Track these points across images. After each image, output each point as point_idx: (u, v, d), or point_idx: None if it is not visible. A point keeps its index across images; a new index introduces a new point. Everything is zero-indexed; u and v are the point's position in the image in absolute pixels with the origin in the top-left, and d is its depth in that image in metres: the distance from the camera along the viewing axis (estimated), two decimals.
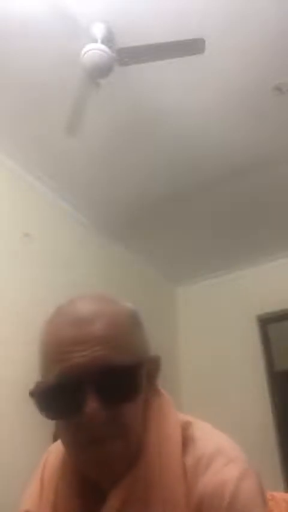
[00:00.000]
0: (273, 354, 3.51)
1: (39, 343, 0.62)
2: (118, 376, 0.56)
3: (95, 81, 2.10)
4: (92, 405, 0.54)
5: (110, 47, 1.97)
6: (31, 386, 0.60)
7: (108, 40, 2.00)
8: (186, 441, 0.60)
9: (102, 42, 1.96)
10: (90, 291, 0.68)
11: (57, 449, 0.72)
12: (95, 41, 1.96)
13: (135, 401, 0.58)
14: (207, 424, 0.65)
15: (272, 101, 2.39)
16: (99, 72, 2.01)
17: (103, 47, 1.95)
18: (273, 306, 3.50)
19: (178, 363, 3.76)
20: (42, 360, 0.61)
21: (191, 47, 1.97)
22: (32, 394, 0.58)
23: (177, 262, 3.93)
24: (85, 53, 1.94)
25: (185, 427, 0.62)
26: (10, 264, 2.52)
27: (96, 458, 0.57)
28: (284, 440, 3.15)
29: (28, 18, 1.99)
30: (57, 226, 3.05)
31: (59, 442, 0.74)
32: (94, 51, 1.94)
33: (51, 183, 2.97)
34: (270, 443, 3.12)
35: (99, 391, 0.54)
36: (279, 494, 0.73)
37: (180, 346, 3.89)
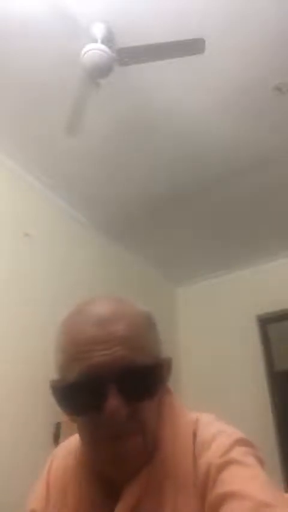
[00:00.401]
0: (273, 354, 3.51)
1: (57, 342, 0.63)
2: (138, 375, 0.58)
3: (95, 81, 2.10)
4: (113, 403, 0.55)
5: (110, 47, 1.97)
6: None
7: (108, 40, 2.00)
8: (195, 436, 0.62)
9: (102, 42, 1.96)
10: (104, 293, 0.70)
11: (62, 452, 0.73)
12: (95, 41, 1.96)
13: (152, 400, 0.61)
14: (211, 416, 0.67)
15: (272, 101, 2.39)
16: (99, 72, 2.01)
17: (103, 47, 1.95)
18: (273, 306, 3.51)
19: (178, 363, 3.76)
20: (61, 358, 0.61)
21: (191, 47, 1.97)
22: (53, 391, 0.60)
23: (177, 262, 3.93)
24: (85, 53, 1.94)
25: (195, 423, 0.64)
26: (10, 264, 2.52)
27: (115, 455, 0.59)
28: (284, 440, 3.15)
29: (28, 18, 1.99)
30: (57, 226, 3.05)
31: (63, 445, 0.76)
32: (94, 51, 1.94)
33: (51, 183, 2.97)
34: (270, 443, 3.12)
35: (120, 389, 0.56)
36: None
37: (180, 346, 3.89)
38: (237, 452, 0.57)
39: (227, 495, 0.52)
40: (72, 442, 0.73)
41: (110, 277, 3.26)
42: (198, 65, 2.17)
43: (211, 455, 0.58)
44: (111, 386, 0.56)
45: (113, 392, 0.56)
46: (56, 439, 2.33)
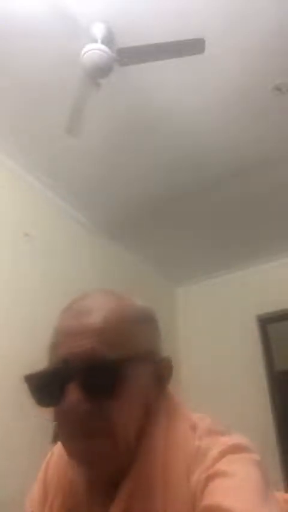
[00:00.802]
0: (273, 354, 3.51)
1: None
2: (105, 371, 0.55)
3: (95, 81, 2.10)
4: (71, 397, 0.54)
5: (110, 47, 1.97)
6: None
7: (108, 40, 2.00)
8: (191, 447, 0.59)
9: (102, 42, 1.96)
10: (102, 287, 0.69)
11: (59, 450, 0.72)
12: (95, 41, 1.96)
13: (122, 399, 0.56)
14: (209, 422, 0.64)
15: (272, 101, 2.39)
16: (99, 72, 2.01)
17: (103, 47, 1.95)
18: (273, 306, 3.51)
19: (178, 363, 3.76)
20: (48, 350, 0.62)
21: (191, 47, 1.97)
22: (25, 379, 0.58)
23: (177, 262, 3.93)
24: (85, 53, 1.94)
25: (193, 432, 0.61)
26: (10, 264, 2.52)
27: (81, 456, 0.57)
28: (284, 440, 3.15)
29: (28, 18, 1.99)
30: (57, 226, 3.05)
31: (60, 443, 0.74)
32: (94, 51, 1.94)
33: (51, 183, 2.97)
34: (270, 443, 3.11)
35: (84, 384, 0.54)
36: (279, 494, 0.73)
37: (180, 346, 3.89)
38: (226, 462, 0.55)
39: (206, 508, 0.50)
40: None
41: (110, 277, 3.26)
42: (198, 65, 2.17)
43: (201, 470, 0.55)
44: (74, 379, 0.54)
45: (73, 386, 0.54)
46: (56, 437, 2.33)
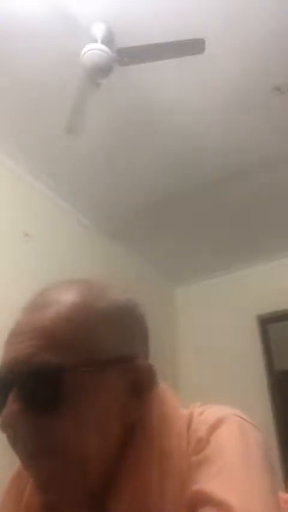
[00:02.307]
0: (273, 354, 3.51)
1: None
2: (42, 377, 0.46)
3: (95, 81, 2.10)
4: (10, 405, 0.46)
5: (110, 47, 1.97)
6: None
7: (108, 40, 2.00)
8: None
9: (102, 42, 1.96)
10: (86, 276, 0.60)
11: None
12: (95, 41, 1.96)
13: (73, 413, 0.47)
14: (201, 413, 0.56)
15: (272, 101, 2.39)
16: (99, 72, 2.01)
17: (103, 47, 1.95)
18: (273, 306, 3.50)
19: (178, 363, 3.76)
20: None
21: (191, 47, 1.97)
22: None
23: (177, 262, 3.93)
24: (85, 53, 1.94)
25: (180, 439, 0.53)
26: (10, 264, 2.52)
27: (34, 479, 0.49)
28: (284, 440, 3.15)
29: (28, 18, 1.99)
30: (57, 226, 3.05)
31: None
32: (94, 51, 1.94)
33: (51, 183, 2.97)
34: (270, 443, 3.11)
35: (21, 392, 0.46)
36: (280, 495, 0.72)
37: (180, 346, 3.89)
38: (212, 446, 0.48)
39: (191, 493, 0.46)
40: None
41: (109, 277, 3.24)
42: (198, 65, 2.17)
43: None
44: (13, 390, 0.46)
45: (12, 395, 0.46)
46: None
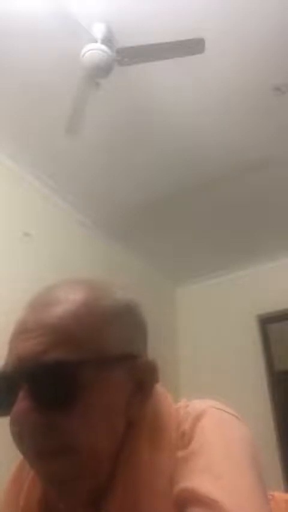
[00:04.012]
0: (273, 354, 3.51)
1: None
2: (52, 375, 0.46)
3: (95, 81, 2.10)
4: (20, 403, 0.45)
5: (110, 47, 1.97)
6: None
7: (108, 40, 2.00)
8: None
9: (102, 42, 1.96)
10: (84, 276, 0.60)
11: None
12: (95, 41, 1.96)
13: (82, 410, 0.47)
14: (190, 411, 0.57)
15: (272, 100, 2.39)
16: (99, 72, 2.01)
17: (103, 47, 1.95)
18: (273, 306, 3.50)
19: (178, 363, 3.76)
20: None
21: (191, 47, 1.97)
22: None
23: (177, 262, 3.93)
24: (85, 53, 1.94)
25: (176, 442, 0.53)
26: (10, 264, 2.52)
27: (43, 478, 0.49)
28: (284, 440, 3.15)
29: (28, 18, 1.98)
30: (57, 225, 3.05)
31: None
32: (94, 51, 1.94)
33: (51, 182, 2.97)
34: (270, 443, 3.11)
35: (31, 390, 0.46)
36: (279, 494, 0.72)
37: (180, 346, 3.89)
38: (196, 441, 0.49)
39: (178, 491, 0.45)
40: None
41: (109, 277, 3.26)
42: (198, 65, 2.17)
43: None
44: (23, 387, 0.46)
45: (22, 393, 0.46)
46: None
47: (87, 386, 0.47)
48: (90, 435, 0.47)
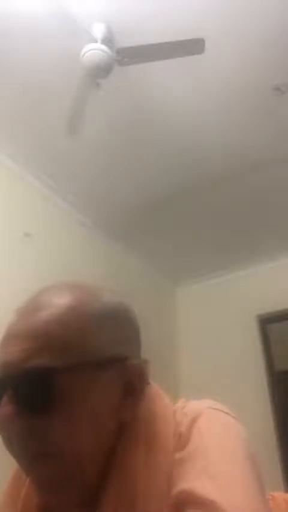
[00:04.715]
0: (273, 354, 3.51)
1: None
2: (34, 380, 0.47)
3: (95, 81, 2.10)
4: (4, 408, 0.47)
5: (110, 47, 1.97)
6: None
7: (108, 40, 2.00)
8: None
9: (102, 42, 1.96)
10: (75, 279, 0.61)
11: None
12: (95, 41, 1.96)
13: (66, 415, 0.47)
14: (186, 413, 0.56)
15: (272, 101, 2.39)
16: (99, 72, 2.01)
17: (103, 47, 1.95)
18: (273, 306, 3.50)
19: (178, 363, 3.76)
20: None
21: (191, 47, 1.97)
22: None
23: (177, 262, 3.93)
24: (85, 53, 1.94)
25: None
26: (10, 264, 2.52)
27: (34, 480, 0.50)
28: (284, 440, 3.15)
29: (28, 18, 1.98)
30: (57, 226, 3.05)
31: None
32: (94, 51, 1.94)
33: (51, 182, 2.97)
34: (270, 443, 3.11)
35: (14, 395, 0.47)
36: (279, 495, 0.72)
37: (180, 346, 3.89)
38: (193, 442, 0.49)
39: (176, 493, 0.46)
40: None
41: (109, 277, 3.25)
42: (198, 65, 2.17)
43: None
44: (7, 393, 0.47)
45: (6, 400, 0.47)
46: None
47: (69, 390, 0.48)
48: (72, 439, 0.48)
